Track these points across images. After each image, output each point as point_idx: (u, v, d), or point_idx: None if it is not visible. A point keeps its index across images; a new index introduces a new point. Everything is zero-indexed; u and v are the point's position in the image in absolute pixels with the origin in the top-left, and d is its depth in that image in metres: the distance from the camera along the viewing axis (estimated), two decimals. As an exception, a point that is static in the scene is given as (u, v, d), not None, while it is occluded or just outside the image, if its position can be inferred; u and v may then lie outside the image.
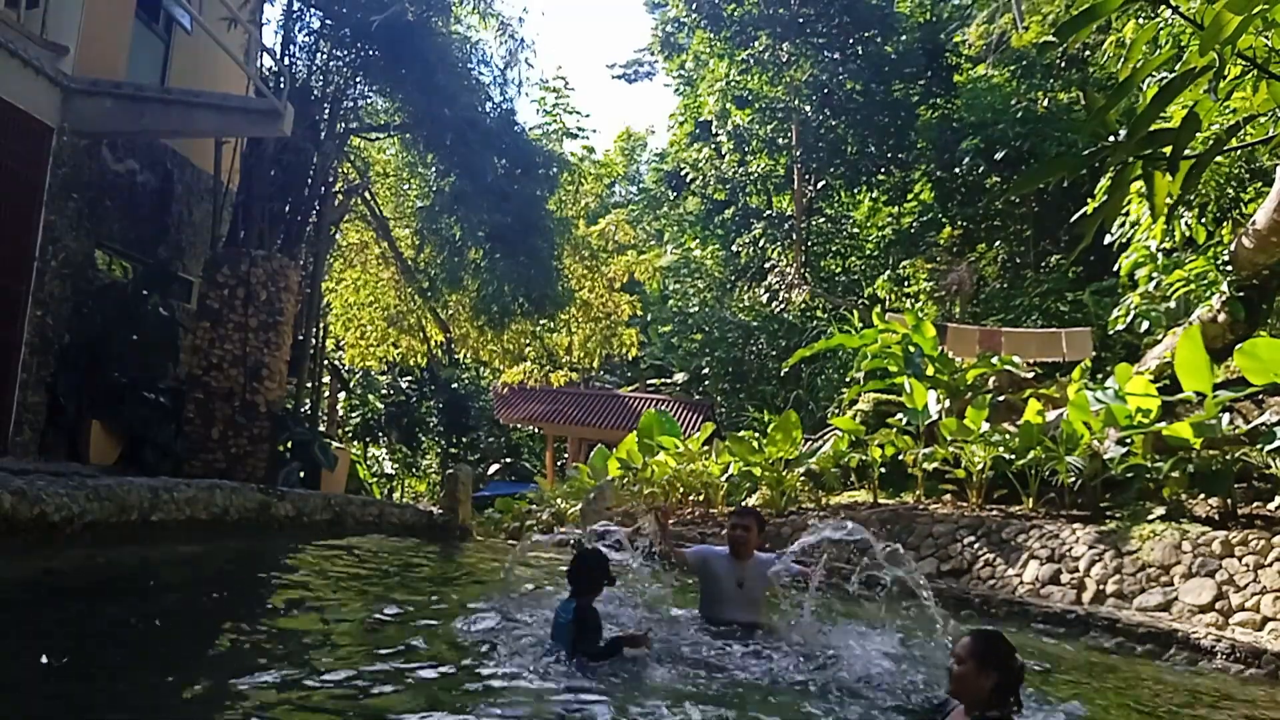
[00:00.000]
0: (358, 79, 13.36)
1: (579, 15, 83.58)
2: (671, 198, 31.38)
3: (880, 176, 24.88)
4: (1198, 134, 3.90)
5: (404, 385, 30.71)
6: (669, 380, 29.39)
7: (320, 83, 13.12)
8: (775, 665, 4.68)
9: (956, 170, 20.91)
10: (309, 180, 12.72)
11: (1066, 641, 7.06)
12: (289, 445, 11.50)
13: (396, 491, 31.85)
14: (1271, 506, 8.39)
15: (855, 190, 25.72)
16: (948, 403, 11.62)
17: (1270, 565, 7.30)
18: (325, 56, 13.16)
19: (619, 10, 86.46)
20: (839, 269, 26.92)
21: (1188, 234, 11.85)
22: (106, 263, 11.15)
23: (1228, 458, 8.28)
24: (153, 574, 5.91)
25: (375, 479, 30.34)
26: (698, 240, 30.07)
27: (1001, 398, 12.11)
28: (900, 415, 11.61)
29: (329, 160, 13.02)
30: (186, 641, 4.41)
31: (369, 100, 14.54)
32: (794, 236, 25.36)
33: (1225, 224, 12.05)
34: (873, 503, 10.94)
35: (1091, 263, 17.25)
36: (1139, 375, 9.82)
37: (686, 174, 28.34)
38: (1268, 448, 8.00)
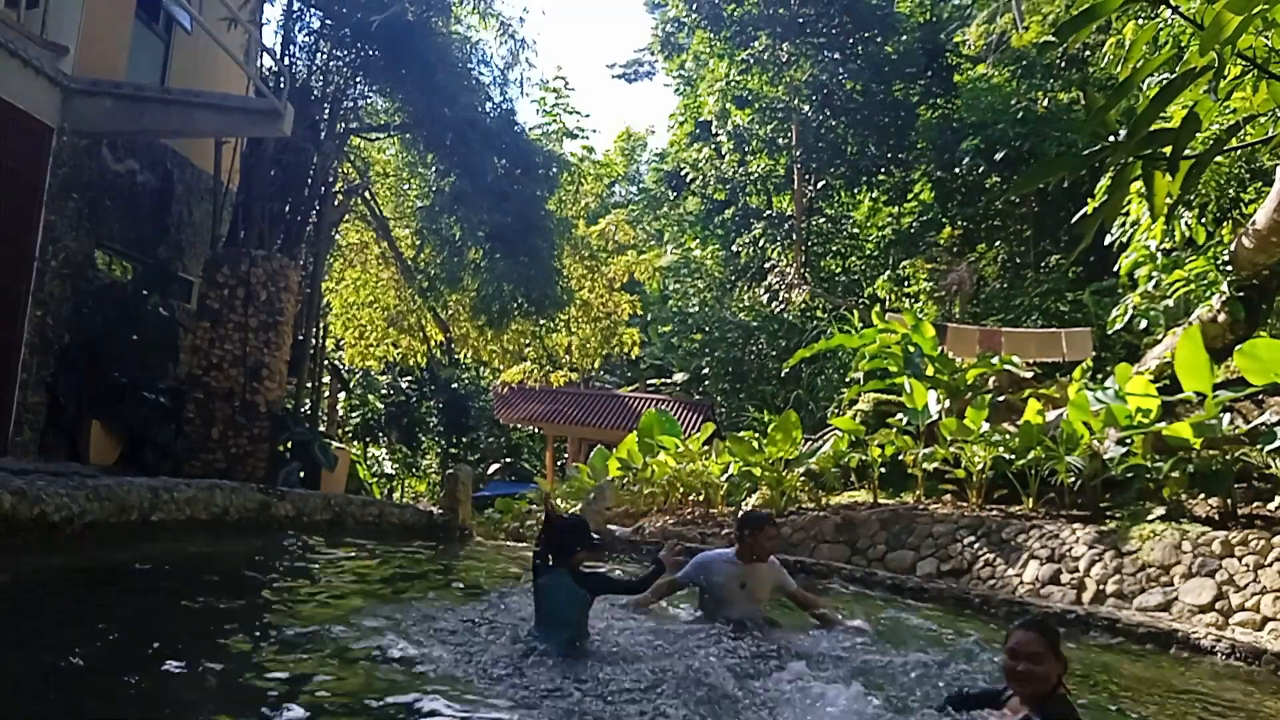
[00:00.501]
0: (358, 79, 13.37)
1: (579, 15, 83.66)
2: (671, 198, 31.38)
3: (880, 176, 24.88)
4: (1198, 134, 3.90)
5: (404, 385, 30.71)
6: (669, 380, 29.39)
7: (320, 83, 13.12)
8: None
9: (956, 170, 20.91)
10: (309, 180, 12.72)
11: (1067, 640, 7.05)
12: (289, 445, 11.50)
13: (396, 491, 31.85)
14: (1271, 506, 8.39)
15: (855, 190, 25.72)
16: (948, 403, 11.62)
17: (1270, 565, 7.30)
18: (325, 56, 13.17)
19: (619, 10, 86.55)
20: (839, 269, 26.92)
21: (1188, 234, 11.85)
22: (106, 263, 11.15)
23: (1228, 458, 8.28)
24: (148, 572, 5.90)
25: (375, 479, 30.34)
26: (698, 240, 30.08)
27: (1001, 398, 12.11)
28: (900, 415, 11.61)
29: (329, 160, 13.02)
30: (184, 639, 4.40)
31: (369, 100, 14.54)
32: (794, 236, 25.36)
33: (1225, 224, 12.05)
34: (873, 503, 10.94)
35: (1091, 263, 17.25)
36: (1139, 375, 9.82)
37: (686, 174, 28.34)
38: (1268, 448, 8.00)
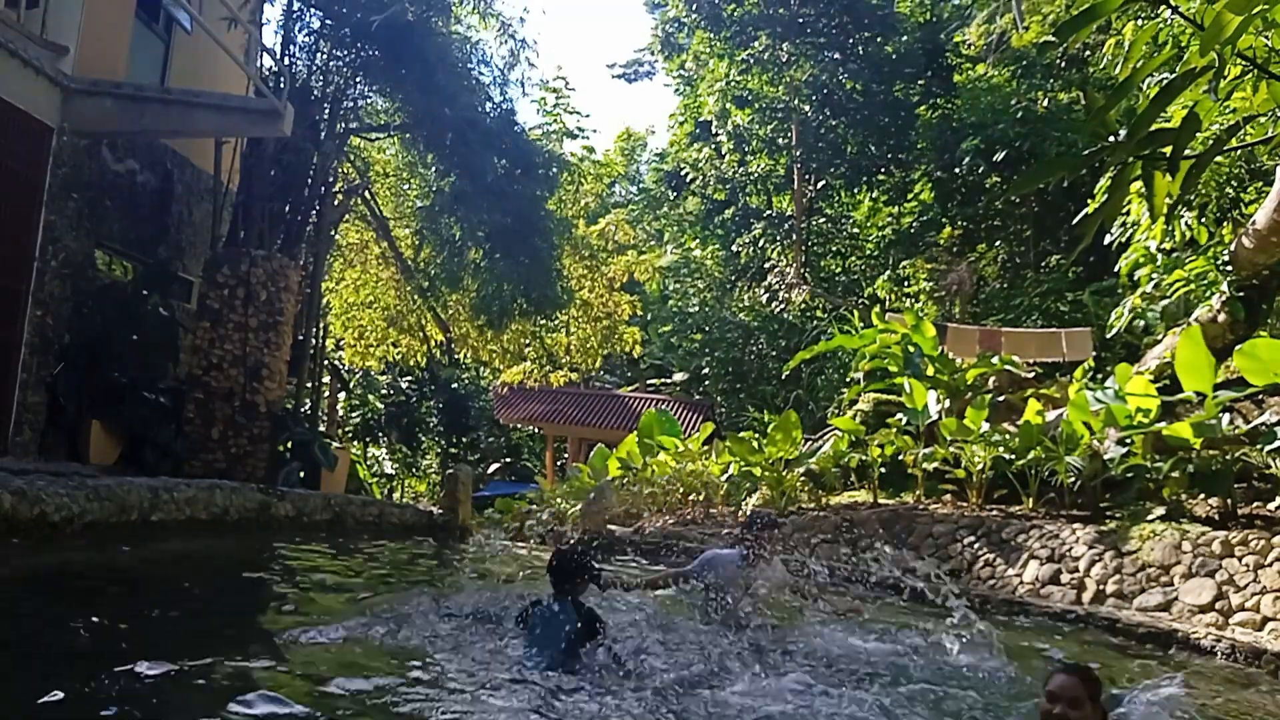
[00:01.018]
0: (358, 79, 13.35)
1: (579, 15, 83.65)
2: (671, 198, 31.37)
3: (880, 176, 24.87)
4: (1198, 134, 3.90)
5: (404, 385, 30.70)
6: (669, 380, 29.39)
7: (320, 83, 13.11)
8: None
9: (956, 170, 20.89)
10: (309, 180, 12.72)
11: (1068, 641, 7.05)
12: (289, 445, 11.50)
13: (396, 491, 31.84)
14: (1271, 506, 8.39)
15: (855, 190, 25.71)
16: (948, 403, 11.61)
17: (1270, 565, 7.30)
18: (325, 56, 13.15)
19: (619, 10, 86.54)
20: (839, 269, 26.91)
21: (1188, 234, 11.84)
22: (106, 263, 11.15)
23: (1228, 458, 8.28)
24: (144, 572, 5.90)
25: (375, 479, 30.32)
26: (698, 240, 30.07)
27: (1001, 398, 12.11)
28: (900, 415, 11.61)
29: (329, 160, 13.02)
30: (183, 639, 4.41)
31: (369, 100, 14.53)
32: (794, 236, 25.36)
33: (1225, 224, 12.04)
34: (873, 503, 10.94)
35: (1091, 263, 17.24)
36: (1139, 375, 9.82)
37: (686, 174, 28.33)
38: (1268, 448, 8.00)
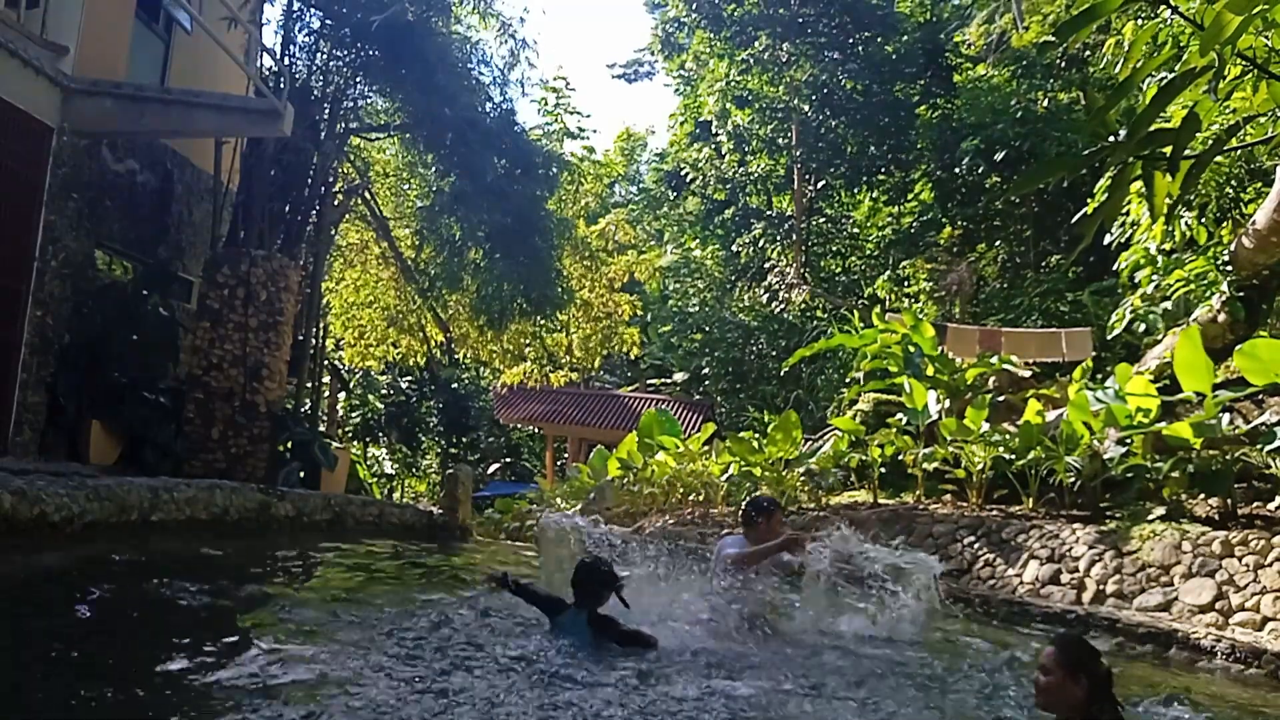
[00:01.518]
0: (358, 79, 13.35)
1: (579, 15, 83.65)
2: (671, 198, 31.38)
3: (880, 176, 24.87)
4: (1198, 134, 3.90)
5: (404, 385, 30.69)
6: (669, 380, 29.40)
7: (320, 83, 13.11)
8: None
9: (956, 170, 20.90)
10: (309, 180, 12.72)
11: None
12: (289, 445, 11.50)
13: (396, 491, 31.84)
14: (1271, 506, 8.39)
15: (855, 190, 25.72)
16: (948, 403, 11.61)
17: (1270, 565, 7.30)
18: (325, 56, 13.15)
19: (619, 10, 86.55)
20: (839, 269, 26.91)
21: (1188, 234, 11.84)
22: (106, 263, 11.15)
23: (1228, 458, 8.28)
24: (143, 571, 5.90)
25: (375, 479, 30.32)
26: (698, 240, 30.08)
27: (1001, 398, 12.11)
28: (900, 415, 11.61)
29: (329, 160, 13.01)
30: (183, 639, 4.41)
31: (369, 100, 14.52)
32: (794, 236, 25.36)
33: (1225, 224, 12.04)
34: (873, 503, 10.94)
35: (1091, 263, 17.24)
36: (1139, 375, 9.82)
37: (686, 174, 28.34)
38: (1268, 448, 8.00)
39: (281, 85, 11.07)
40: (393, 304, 18.57)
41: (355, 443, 29.19)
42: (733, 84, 25.12)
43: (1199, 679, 6.11)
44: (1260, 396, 9.30)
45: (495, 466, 29.91)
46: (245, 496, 7.88)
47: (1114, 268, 13.21)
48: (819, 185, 25.99)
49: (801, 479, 11.64)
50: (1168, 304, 11.59)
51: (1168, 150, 3.14)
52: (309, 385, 14.35)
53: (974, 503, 10.19)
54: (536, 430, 28.39)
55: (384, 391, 30.73)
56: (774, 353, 23.51)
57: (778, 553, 5.36)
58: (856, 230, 26.68)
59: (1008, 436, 9.92)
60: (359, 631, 4.75)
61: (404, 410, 30.71)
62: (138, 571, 5.83)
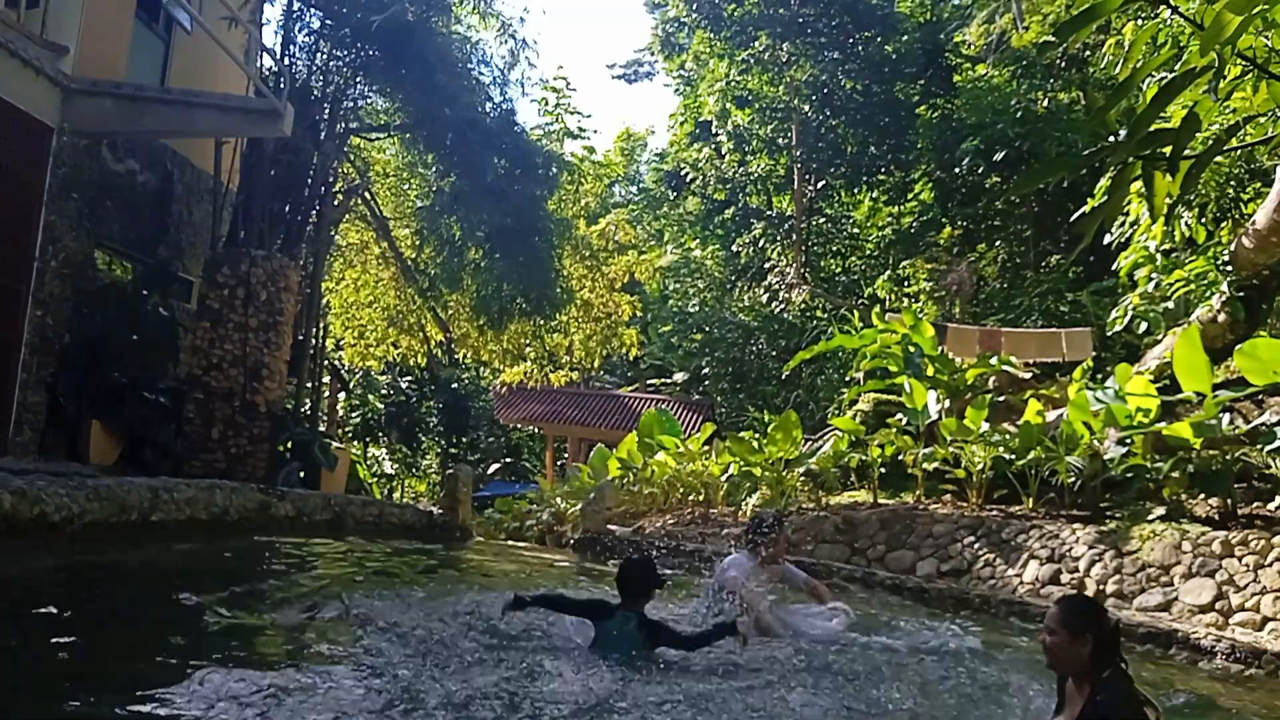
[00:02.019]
0: (358, 79, 13.35)
1: (579, 15, 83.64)
2: (671, 198, 31.38)
3: (880, 176, 24.87)
4: (1198, 134, 3.90)
5: (404, 385, 30.70)
6: (669, 380, 29.40)
7: (320, 83, 13.11)
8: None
9: (956, 170, 20.89)
10: (309, 180, 12.72)
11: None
12: (289, 445, 11.50)
13: (396, 491, 31.84)
14: (1271, 506, 8.39)
15: (855, 190, 25.71)
16: (948, 403, 11.61)
17: (1270, 565, 7.30)
18: (325, 56, 13.15)
19: (619, 10, 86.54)
20: (839, 269, 26.91)
21: (1188, 234, 11.84)
22: (106, 263, 11.15)
23: (1228, 458, 8.28)
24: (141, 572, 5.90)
25: (375, 479, 30.32)
26: (698, 240, 30.08)
27: (1001, 398, 12.11)
28: (900, 415, 11.61)
29: (329, 160, 13.02)
30: (182, 638, 4.41)
31: (369, 100, 14.53)
32: (794, 236, 25.36)
33: (1225, 224, 12.04)
34: (873, 503, 10.94)
35: (1091, 263, 17.23)
36: (1139, 375, 9.82)
37: (686, 174, 28.34)
38: (1268, 448, 8.00)
39: (281, 85, 11.07)
40: (393, 304, 18.56)
41: (355, 443, 29.20)
42: (733, 84, 25.12)
43: (1199, 679, 6.11)
44: (1260, 396, 9.29)
45: (495, 466, 29.91)
46: (245, 497, 7.89)
47: (1114, 267, 13.21)
48: (819, 185, 25.99)
49: (801, 479, 11.64)
50: (1168, 303, 11.59)
51: (1168, 150, 3.14)
52: (309, 385, 14.35)
53: (974, 503, 10.19)
54: (536, 430, 28.39)
55: (384, 391, 30.73)
56: (774, 353, 23.52)
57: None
58: (856, 230, 26.68)
59: (1008, 436, 9.92)
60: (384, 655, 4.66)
61: (404, 410, 30.72)
62: (138, 572, 5.83)
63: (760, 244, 26.05)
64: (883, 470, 11.16)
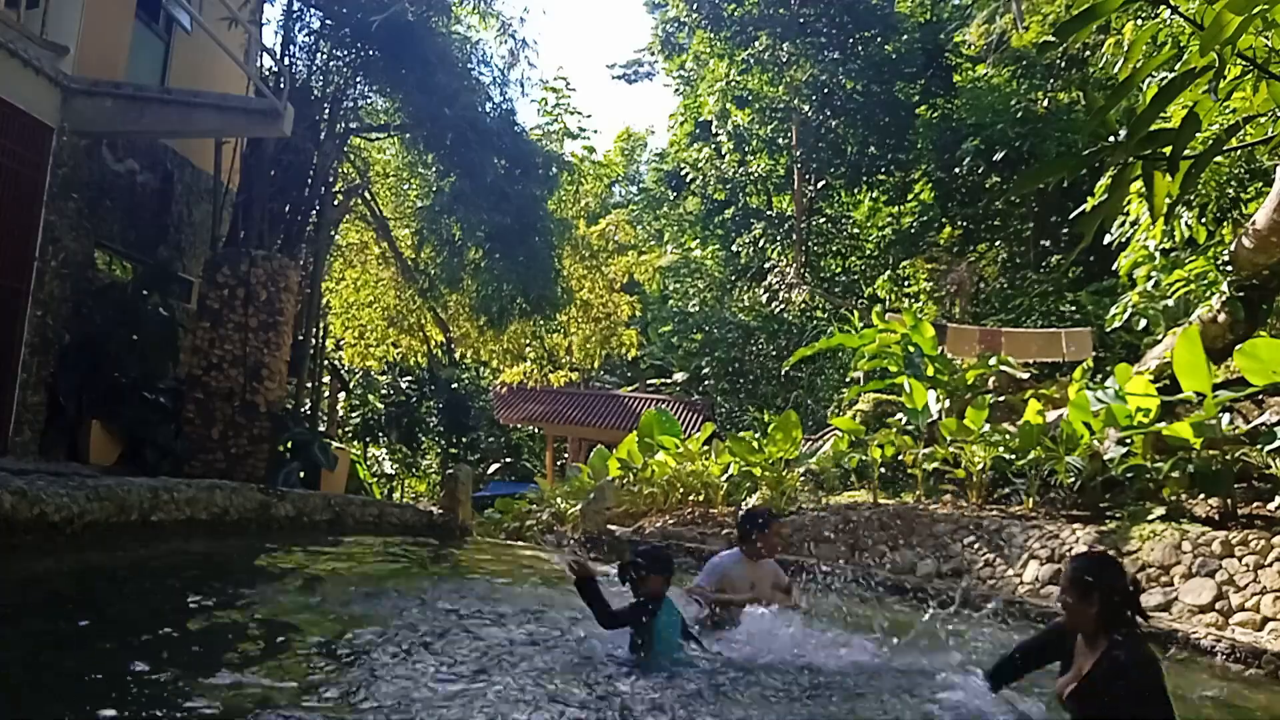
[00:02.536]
0: (358, 79, 13.35)
1: (579, 15, 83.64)
2: (671, 198, 31.39)
3: (880, 176, 24.89)
4: (1198, 134, 3.89)
5: (404, 385, 30.69)
6: (669, 380, 29.41)
7: (320, 83, 13.11)
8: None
9: (956, 170, 20.91)
10: (309, 180, 12.72)
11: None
12: (289, 445, 11.49)
13: (396, 491, 31.83)
14: (1271, 506, 8.38)
15: (855, 190, 25.73)
16: (948, 403, 11.62)
17: (1270, 565, 7.30)
18: (325, 56, 13.16)
19: (619, 10, 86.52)
20: (839, 269, 26.92)
21: (1188, 234, 11.84)
22: (106, 263, 11.15)
23: (1228, 458, 8.28)
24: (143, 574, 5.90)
25: (375, 479, 30.29)
26: (698, 240, 30.09)
27: (1001, 398, 12.11)
28: (900, 415, 11.61)
29: (329, 160, 13.01)
30: (181, 638, 4.41)
31: (369, 100, 14.53)
32: (794, 236, 25.37)
33: (1225, 224, 12.04)
34: (873, 503, 10.94)
35: (1091, 263, 17.24)
36: (1139, 375, 9.82)
37: (686, 174, 28.35)
38: (1268, 448, 8.00)
39: (281, 85, 11.07)
40: (393, 304, 18.57)
41: (355, 443, 29.18)
42: (733, 84, 25.13)
43: (1199, 679, 6.11)
44: (1260, 396, 9.29)
45: (495, 466, 29.91)
46: (245, 497, 7.88)
47: (1114, 267, 13.22)
48: (819, 185, 26.00)
49: (801, 479, 11.64)
50: (1168, 302, 11.59)
51: (1168, 150, 3.14)
52: (309, 385, 14.34)
53: (974, 503, 10.19)
54: (536, 430, 28.39)
55: (384, 391, 30.72)
56: (774, 353, 23.53)
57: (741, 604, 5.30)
58: (856, 230, 26.69)
59: (1008, 436, 9.92)
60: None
61: (404, 410, 30.70)
62: (137, 572, 5.83)
63: (760, 244, 26.06)
64: (883, 470, 11.16)
